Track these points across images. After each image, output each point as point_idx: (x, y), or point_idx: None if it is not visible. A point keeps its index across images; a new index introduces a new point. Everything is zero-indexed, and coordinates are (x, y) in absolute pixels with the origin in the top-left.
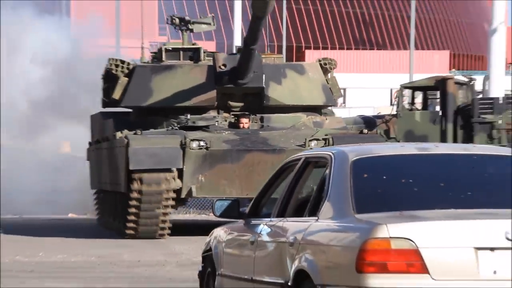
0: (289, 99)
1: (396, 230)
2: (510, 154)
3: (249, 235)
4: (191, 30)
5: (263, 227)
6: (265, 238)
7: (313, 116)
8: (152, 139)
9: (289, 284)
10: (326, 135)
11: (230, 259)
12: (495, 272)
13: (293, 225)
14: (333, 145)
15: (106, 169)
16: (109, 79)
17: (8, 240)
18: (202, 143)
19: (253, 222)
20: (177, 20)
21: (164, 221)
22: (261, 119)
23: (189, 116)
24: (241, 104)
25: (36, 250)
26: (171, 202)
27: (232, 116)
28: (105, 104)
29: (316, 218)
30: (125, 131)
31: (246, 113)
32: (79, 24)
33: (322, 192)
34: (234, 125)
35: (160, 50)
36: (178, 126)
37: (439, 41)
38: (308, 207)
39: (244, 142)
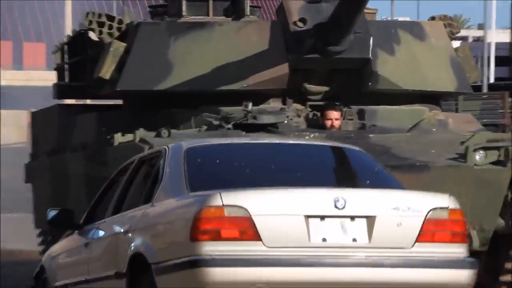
0: (408, 81)
1: (229, 198)
2: (331, 145)
3: (83, 240)
4: None
5: (97, 227)
6: (100, 234)
7: (436, 110)
8: None
9: (123, 271)
10: (488, 140)
11: (64, 269)
12: (324, 240)
13: (127, 216)
14: (508, 157)
15: (84, 199)
16: (84, 47)
17: None
18: None
19: (87, 228)
20: None
21: None
22: (361, 114)
23: (250, 106)
24: (325, 88)
25: None
26: None
27: (310, 110)
28: (61, 93)
29: (151, 203)
30: (141, 131)
31: (337, 103)
32: None
33: (156, 182)
34: (315, 123)
35: None
36: (231, 123)
37: None
38: (142, 196)
39: None
